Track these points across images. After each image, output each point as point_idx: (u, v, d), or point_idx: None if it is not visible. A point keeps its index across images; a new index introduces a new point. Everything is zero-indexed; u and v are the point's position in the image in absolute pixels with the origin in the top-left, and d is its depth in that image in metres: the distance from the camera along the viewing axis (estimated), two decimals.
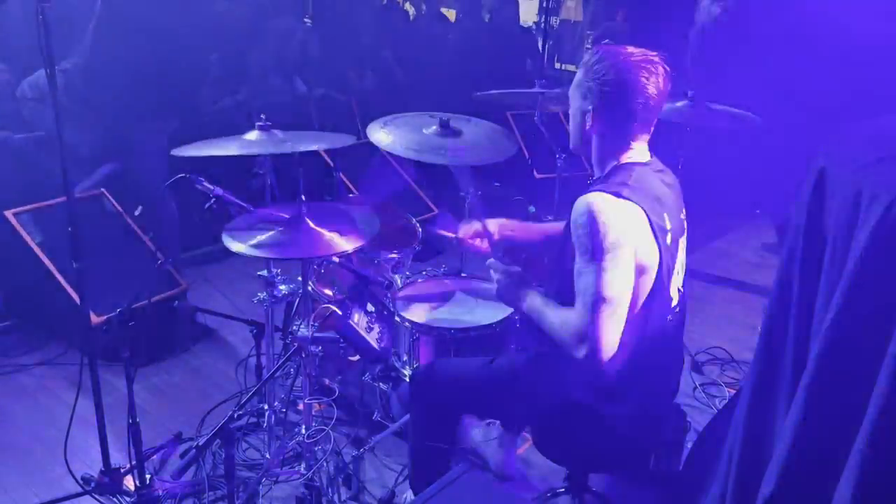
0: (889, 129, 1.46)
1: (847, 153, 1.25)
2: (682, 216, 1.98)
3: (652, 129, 1.93)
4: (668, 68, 1.85)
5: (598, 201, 1.77)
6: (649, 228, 1.79)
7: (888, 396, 1.03)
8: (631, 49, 1.85)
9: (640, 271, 1.78)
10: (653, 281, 1.82)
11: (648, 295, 1.82)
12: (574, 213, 1.81)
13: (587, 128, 1.90)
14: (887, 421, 1.03)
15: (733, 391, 3.22)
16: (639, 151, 1.91)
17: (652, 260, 1.80)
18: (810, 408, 1.16)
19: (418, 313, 2.44)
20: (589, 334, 1.73)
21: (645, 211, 1.78)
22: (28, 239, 3.35)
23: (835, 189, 1.18)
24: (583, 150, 1.98)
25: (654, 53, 1.85)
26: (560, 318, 1.83)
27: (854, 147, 1.29)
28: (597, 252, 1.73)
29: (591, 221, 1.74)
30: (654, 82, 1.82)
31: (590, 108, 1.87)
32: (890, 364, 1.03)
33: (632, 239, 1.75)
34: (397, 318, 2.43)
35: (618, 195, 1.78)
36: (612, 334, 1.73)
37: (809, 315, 1.23)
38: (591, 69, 1.86)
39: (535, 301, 1.94)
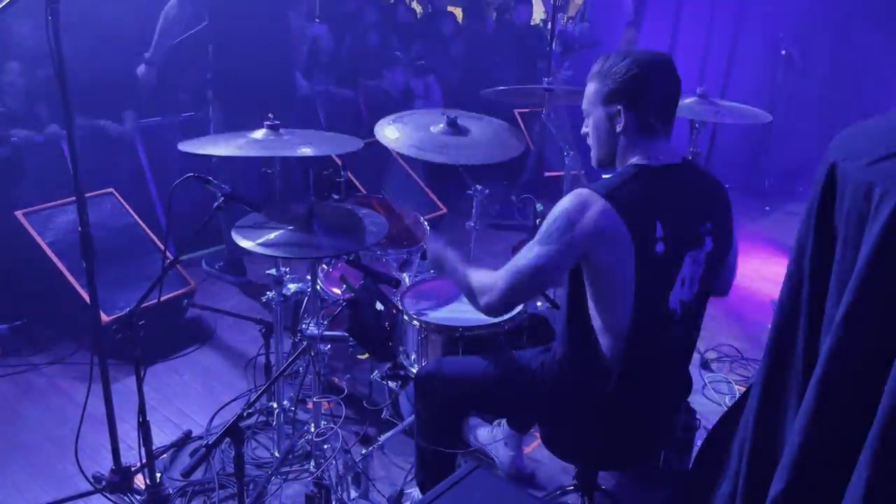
0: None
1: (858, 148, 1.24)
2: (706, 229, 1.86)
3: (671, 128, 1.87)
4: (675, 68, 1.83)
5: (573, 195, 1.78)
6: (626, 232, 1.72)
7: None
8: (639, 49, 1.85)
9: (601, 271, 1.76)
10: (631, 287, 1.75)
11: (632, 304, 1.77)
12: None
13: (618, 130, 1.83)
14: None
15: (743, 389, 3.21)
16: (663, 151, 1.84)
17: (620, 264, 1.74)
18: (821, 405, 1.15)
19: (427, 312, 2.44)
20: (496, 290, 1.86)
21: (622, 214, 1.72)
22: (38, 239, 3.37)
23: (846, 184, 1.17)
24: (609, 160, 1.91)
25: (662, 53, 1.84)
26: (480, 276, 1.94)
27: (865, 142, 1.28)
28: (541, 234, 1.79)
29: (555, 210, 1.79)
30: (672, 75, 1.82)
31: (618, 108, 1.81)
32: None
33: (587, 236, 1.72)
34: (406, 317, 2.43)
35: (598, 193, 1.74)
36: (514, 299, 1.89)
37: (820, 312, 1.22)
38: (610, 73, 1.82)
39: (457, 263, 2.05)
